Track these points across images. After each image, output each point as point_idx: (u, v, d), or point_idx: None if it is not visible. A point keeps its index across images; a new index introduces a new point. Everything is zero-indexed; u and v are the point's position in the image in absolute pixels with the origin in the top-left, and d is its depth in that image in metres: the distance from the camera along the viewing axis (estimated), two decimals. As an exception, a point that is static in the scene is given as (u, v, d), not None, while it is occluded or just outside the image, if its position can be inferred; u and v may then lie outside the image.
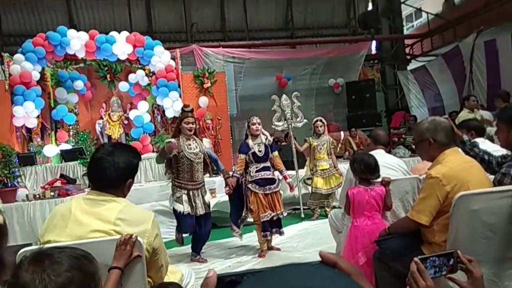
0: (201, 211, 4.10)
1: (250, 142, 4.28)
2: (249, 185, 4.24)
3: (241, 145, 4.39)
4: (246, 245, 4.72)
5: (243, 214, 4.38)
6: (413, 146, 7.54)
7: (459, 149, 2.51)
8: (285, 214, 4.43)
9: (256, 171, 4.24)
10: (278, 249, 4.48)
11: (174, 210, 4.12)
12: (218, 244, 4.89)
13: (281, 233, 4.44)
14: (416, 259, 1.28)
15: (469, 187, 2.18)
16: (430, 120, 2.48)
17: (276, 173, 4.47)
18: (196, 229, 4.17)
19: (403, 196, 3.06)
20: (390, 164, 3.23)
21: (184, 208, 4.03)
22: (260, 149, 4.26)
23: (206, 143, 4.29)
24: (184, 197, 4.06)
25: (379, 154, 3.18)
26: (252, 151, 4.24)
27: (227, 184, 4.29)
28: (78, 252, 1.18)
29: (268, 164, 4.33)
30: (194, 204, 4.07)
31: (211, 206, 4.43)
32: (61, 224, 1.80)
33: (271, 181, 4.30)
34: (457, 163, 2.33)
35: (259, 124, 4.31)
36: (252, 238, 4.83)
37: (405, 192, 3.07)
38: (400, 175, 3.15)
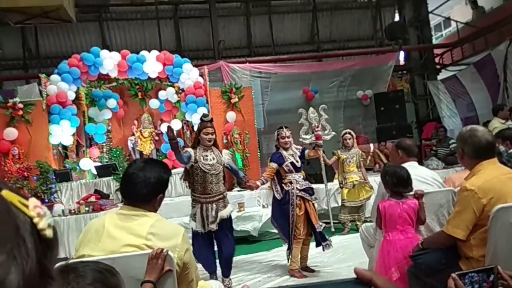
0: (213, 226, 3.82)
1: (284, 153, 4.17)
2: (300, 194, 4.08)
3: (273, 154, 4.26)
4: (276, 260, 4.68)
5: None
6: (445, 157, 7.34)
7: (497, 160, 2.42)
8: (322, 226, 4.26)
9: (299, 179, 4.16)
10: (312, 271, 4.26)
11: (191, 229, 3.89)
12: (248, 258, 4.87)
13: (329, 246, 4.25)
14: (453, 275, 1.24)
15: (507, 199, 2.10)
16: (468, 129, 2.41)
17: (313, 186, 4.40)
18: (219, 249, 3.96)
19: (438, 210, 2.97)
20: (424, 178, 3.13)
21: (196, 226, 3.84)
22: (297, 159, 4.18)
23: (226, 154, 4.06)
24: (198, 213, 3.84)
25: (412, 167, 3.09)
26: (289, 161, 4.13)
27: (250, 187, 4.13)
28: (101, 266, 1.21)
29: (302, 174, 4.31)
30: (206, 220, 3.81)
31: (235, 219, 4.30)
32: (95, 239, 1.84)
33: (312, 190, 4.24)
34: (493, 175, 2.25)
35: (288, 138, 4.20)
36: (282, 252, 4.78)
37: (440, 205, 2.97)
38: (435, 189, 3.05)
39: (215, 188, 3.88)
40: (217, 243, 3.96)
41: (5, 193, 0.43)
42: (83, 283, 1.11)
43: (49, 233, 0.45)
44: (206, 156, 3.87)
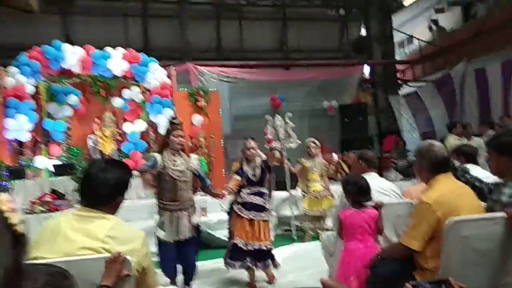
0: (187, 233, 3.69)
1: (244, 166, 4.08)
2: (234, 206, 4.03)
3: (238, 168, 4.18)
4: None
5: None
6: (404, 170, 7.61)
7: (452, 175, 2.52)
8: (270, 247, 4.08)
9: (248, 194, 4.02)
10: (272, 278, 4.14)
11: (156, 237, 3.69)
12: (209, 265, 4.79)
13: (275, 266, 4.11)
14: (407, 285, 1.28)
15: (461, 213, 2.19)
16: (427, 144, 2.52)
17: (276, 193, 4.34)
18: (181, 258, 3.77)
19: (396, 221, 3.06)
20: (384, 189, 3.23)
21: (163, 235, 3.64)
22: (254, 173, 4.05)
23: (195, 159, 3.93)
24: (167, 221, 3.64)
25: (373, 178, 3.19)
26: (245, 174, 4.05)
27: (217, 195, 4.00)
28: (54, 269, 1.16)
29: (262, 189, 4.10)
30: (177, 228, 3.65)
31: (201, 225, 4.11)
32: (50, 240, 1.77)
33: (260, 208, 4.03)
34: (449, 189, 2.35)
35: (253, 149, 4.11)
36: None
37: (398, 216, 3.06)
38: (393, 200, 3.15)
39: (185, 195, 3.71)
40: (182, 250, 3.74)
41: None
42: (34, 287, 1.06)
43: (20, 228, 0.43)
44: (175, 161, 3.67)
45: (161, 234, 3.65)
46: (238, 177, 4.07)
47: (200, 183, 4.03)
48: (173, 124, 3.77)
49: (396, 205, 3.09)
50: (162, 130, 7.14)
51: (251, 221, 3.98)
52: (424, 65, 12.35)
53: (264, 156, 4.22)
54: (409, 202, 3.11)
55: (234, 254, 3.97)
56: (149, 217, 5.55)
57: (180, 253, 3.73)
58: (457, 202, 2.27)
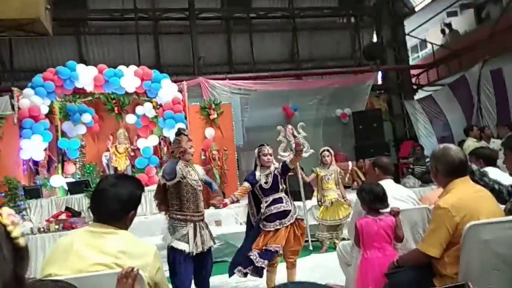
0: (210, 243, 3.66)
1: (257, 173, 3.93)
2: (260, 224, 3.87)
3: (249, 173, 4.07)
4: (253, 280, 4.59)
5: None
6: (422, 176, 7.47)
7: (469, 179, 2.45)
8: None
9: (267, 207, 3.87)
10: None
11: (174, 251, 3.47)
12: (222, 278, 4.75)
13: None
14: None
15: (479, 217, 2.12)
16: (441, 148, 2.45)
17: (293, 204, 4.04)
18: (199, 270, 3.64)
19: (413, 227, 2.98)
20: (401, 196, 3.15)
21: (190, 248, 3.45)
22: (266, 181, 3.90)
23: (200, 169, 3.84)
24: (191, 233, 3.49)
25: (389, 185, 3.11)
26: (258, 184, 3.89)
27: (213, 205, 3.89)
28: (60, 284, 1.16)
29: (280, 195, 3.94)
30: (201, 239, 3.55)
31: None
32: (62, 257, 1.77)
33: (283, 214, 3.87)
34: (466, 193, 2.28)
35: (270, 156, 3.96)
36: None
37: (415, 223, 2.98)
38: (410, 206, 3.07)
39: (202, 205, 3.66)
40: (200, 263, 3.63)
41: None
42: None
43: (22, 241, 0.43)
44: (190, 171, 3.61)
45: (185, 246, 3.45)
46: (247, 184, 3.94)
47: (209, 190, 3.97)
48: (185, 135, 3.68)
49: (413, 211, 3.01)
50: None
51: (276, 231, 3.82)
52: (439, 68, 12.20)
53: (277, 164, 4.07)
54: (425, 208, 3.03)
55: (244, 262, 3.81)
56: (164, 232, 5.59)
57: (199, 264, 3.63)
58: (475, 206, 2.20)
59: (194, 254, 3.49)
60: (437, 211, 2.25)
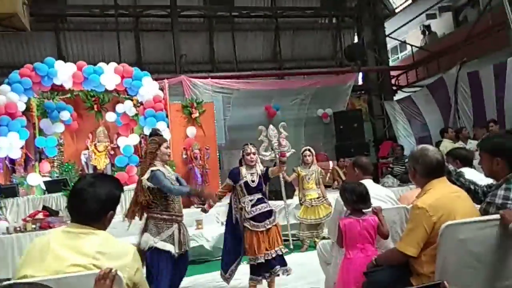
0: (189, 244, 3.66)
1: (243, 170, 3.95)
2: (246, 224, 3.86)
3: (231, 171, 4.05)
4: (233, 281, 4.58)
5: (236, 261, 4.00)
6: (401, 176, 7.60)
7: (446, 179, 2.51)
8: (284, 250, 3.98)
9: (252, 206, 3.85)
10: None
11: (158, 252, 3.38)
12: (199, 279, 4.74)
13: (287, 272, 3.95)
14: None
15: (456, 217, 2.17)
16: (419, 149, 2.50)
17: (272, 203, 4.14)
18: (176, 271, 3.56)
19: (391, 227, 3.02)
20: (380, 195, 3.20)
21: (176, 249, 3.42)
22: (253, 179, 3.91)
23: (170, 169, 3.85)
24: (176, 234, 3.45)
25: (368, 185, 3.15)
26: (243, 180, 3.88)
27: (203, 210, 3.94)
28: (35, 286, 1.14)
29: (261, 195, 3.95)
30: (183, 240, 3.52)
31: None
32: (39, 258, 1.73)
33: (269, 214, 3.91)
34: (443, 193, 2.33)
35: (254, 154, 3.98)
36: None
37: (393, 222, 3.03)
38: (389, 206, 3.12)
39: (181, 206, 3.66)
40: (181, 262, 3.59)
41: None
42: None
43: None
44: (169, 172, 3.61)
45: (172, 248, 3.41)
46: (230, 181, 3.97)
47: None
48: (161, 136, 3.72)
49: (391, 210, 3.06)
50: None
51: (267, 230, 3.86)
52: (418, 70, 12.43)
53: (261, 164, 4.12)
54: (404, 207, 3.09)
55: (258, 270, 3.85)
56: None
57: (177, 265, 3.56)
58: (452, 206, 2.24)
59: (177, 256, 3.44)
60: (415, 211, 2.29)
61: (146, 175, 3.46)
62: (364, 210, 2.86)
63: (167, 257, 3.38)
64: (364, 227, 2.79)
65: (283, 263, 3.94)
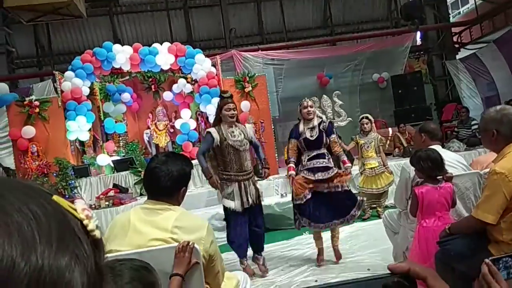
0: (256, 201, 3.80)
1: (301, 126, 3.88)
2: (301, 173, 3.84)
3: (291, 130, 4.02)
4: (297, 249, 4.65)
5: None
6: (468, 139, 7.18)
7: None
8: (347, 189, 3.84)
9: (309, 159, 3.81)
10: (338, 257, 4.01)
11: (225, 208, 3.77)
12: (267, 248, 4.85)
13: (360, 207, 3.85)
14: (487, 260, 1.18)
15: (540, 181, 2.02)
16: (498, 110, 2.32)
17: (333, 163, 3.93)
18: (251, 226, 3.80)
19: (464, 193, 2.89)
20: (450, 161, 3.03)
21: (235, 204, 3.68)
22: (312, 134, 3.82)
23: (250, 129, 3.94)
24: (236, 191, 3.69)
25: (438, 150, 3.01)
26: (302, 137, 3.83)
27: (265, 174, 3.99)
28: (137, 263, 1.19)
29: (322, 151, 3.85)
30: (247, 196, 3.72)
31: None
32: (121, 234, 1.85)
33: (326, 169, 3.79)
34: (524, 157, 2.17)
35: (311, 107, 3.90)
36: (304, 240, 4.76)
37: (466, 188, 2.89)
38: (460, 172, 2.96)
39: (249, 165, 3.79)
40: (252, 219, 3.83)
41: (56, 198, 0.44)
42: (121, 282, 1.10)
43: (97, 234, 0.45)
44: (233, 132, 3.73)
45: (232, 204, 3.70)
46: (294, 141, 3.93)
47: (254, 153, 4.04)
48: (224, 98, 3.83)
49: (463, 176, 2.91)
50: (212, 119, 7.26)
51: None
52: (482, 24, 11.46)
53: (323, 117, 4.04)
54: (477, 173, 2.93)
55: (311, 216, 3.80)
56: (208, 204, 5.73)
57: (249, 220, 3.82)
58: (534, 171, 2.09)
59: (241, 210, 3.70)
60: (493, 176, 2.16)
61: (208, 130, 3.80)
62: (439, 178, 2.73)
63: (231, 211, 3.72)
64: (442, 194, 2.67)
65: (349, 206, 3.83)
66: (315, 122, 3.91)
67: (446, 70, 11.37)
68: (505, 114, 2.25)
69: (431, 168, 2.67)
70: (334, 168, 3.87)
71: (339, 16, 12.21)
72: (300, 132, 3.89)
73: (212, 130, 3.73)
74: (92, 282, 0.40)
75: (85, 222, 0.44)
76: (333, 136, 3.95)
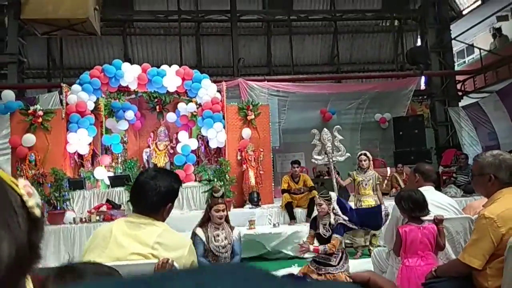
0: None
1: (319, 220, 3.83)
2: (310, 263, 3.82)
3: (312, 219, 4.04)
4: None
5: None
6: (465, 186, 7.16)
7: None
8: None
9: (324, 253, 3.67)
10: None
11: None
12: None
13: None
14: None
15: (528, 229, 2.01)
16: (494, 154, 2.31)
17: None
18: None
19: (454, 237, 2.87)
20: (441, 203, 3.03)
21: None
22: (324, 233, 3.74)
23: (236, 232, 3.78)
24: None
25: (429, 192, 3.00)
26: (316, 232, 3.81)
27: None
28: (102, 268, 1.18)
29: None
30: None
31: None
32: (102, 245, 1.83)
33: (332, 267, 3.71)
34: (513, 203, 2.16)
35: (321, 206, 3.80)
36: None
37: (456, 233, 2.87)
38: (451, 215, 2.95)
39: None
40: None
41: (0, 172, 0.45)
42: (80, 282, 1.08)
43: (37, 212, 0.46)
44: (218, 235, 3.60)
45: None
46: (312, 232, 3.86)
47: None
48: (214, 198, 3.81)
49: (454, 220, 2.90)
50: (212, 144, 7.31)
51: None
52: (486, 75, 11.65)
53: (340, 214, 3.84)
54: (468, 218, 2.91)
55: None
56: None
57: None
58: (523, 218, 2.08)
59: None
60: (481, 220, 2.15)
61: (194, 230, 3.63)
62: (422, 218, 2.73)
63: None
64: (425, 235, 2.67)
65: None
66: (331, 218, 3.76)
67: (448, 116, 11.47)
68: (503, 160, 2.26)
69: (411, 209, 2.70)
70: (338, 267, 3.76)
71: (346, 55, 12.47)
72: (317, 225, 3.83)
73: (199, 232, 3.59)
74: (20, 256, 0.40)
75: (24, 197, 0.45)
76: (338, 236, 3.73)
